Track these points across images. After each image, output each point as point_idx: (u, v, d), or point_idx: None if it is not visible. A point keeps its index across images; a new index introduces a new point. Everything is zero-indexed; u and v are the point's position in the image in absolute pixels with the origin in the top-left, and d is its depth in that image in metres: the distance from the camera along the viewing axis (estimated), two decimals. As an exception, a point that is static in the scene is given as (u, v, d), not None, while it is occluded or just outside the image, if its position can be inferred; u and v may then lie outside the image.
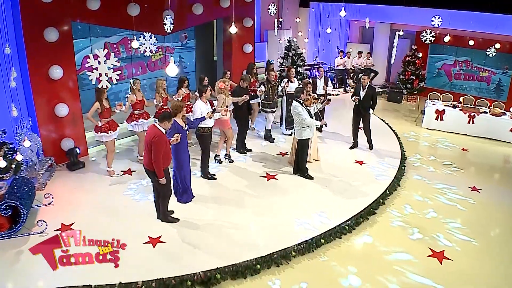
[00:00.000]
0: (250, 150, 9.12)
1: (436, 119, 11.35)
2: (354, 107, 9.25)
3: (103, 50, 6.81)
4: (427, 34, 11.49)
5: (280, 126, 10.47)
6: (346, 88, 14.98)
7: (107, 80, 6.89)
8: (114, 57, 7.01)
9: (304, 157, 7.77)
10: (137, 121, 8.02)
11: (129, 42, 10.55)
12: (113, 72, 7.00)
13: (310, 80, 9.97)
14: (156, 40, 7.67)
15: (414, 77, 13.90)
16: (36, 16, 7.39)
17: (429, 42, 11.74)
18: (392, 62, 11.45)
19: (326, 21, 15.77)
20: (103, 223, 6.28)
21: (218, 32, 12.04)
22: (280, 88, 9.65)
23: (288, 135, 10.06)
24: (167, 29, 7.10)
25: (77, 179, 7.79)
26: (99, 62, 6.80)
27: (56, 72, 7.73)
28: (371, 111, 9.05)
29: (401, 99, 14.01)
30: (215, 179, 7.75)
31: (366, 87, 8.97)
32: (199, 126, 7.19)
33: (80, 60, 9.47)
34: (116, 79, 7.10)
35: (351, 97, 9.26)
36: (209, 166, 7.90)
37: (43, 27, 7.49)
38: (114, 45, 10.34)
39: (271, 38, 15.33)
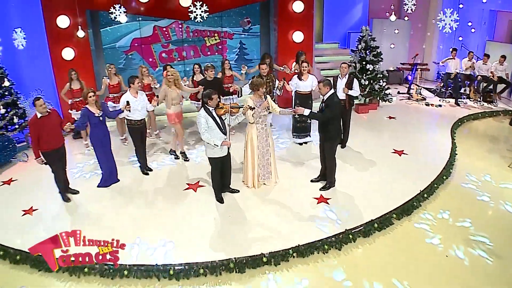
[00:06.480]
0: None
1: (540, 164, 7.58)
2: None
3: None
4: None
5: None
6: (458, 100, 11.39)
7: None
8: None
9: (213, 176, 6.38)
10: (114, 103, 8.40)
11: (179, 26, 10.82)
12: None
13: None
14: None
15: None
16: None
17: None
18: None
19: (461, 11, 12.18)
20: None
21: (271, 15, 10.95)
22: (277, 85, 7.87)
23: (299, 144, 8.56)
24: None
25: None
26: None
27: None
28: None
29: (530, 125, 9.82)
30: (147, 174, 7.42)
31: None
32: (127, 118, 7.07)
33: (129, 42, 10.44)
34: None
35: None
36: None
37: None
38: (164, 29, 10.74)
39: (378, 29, 12.96)
